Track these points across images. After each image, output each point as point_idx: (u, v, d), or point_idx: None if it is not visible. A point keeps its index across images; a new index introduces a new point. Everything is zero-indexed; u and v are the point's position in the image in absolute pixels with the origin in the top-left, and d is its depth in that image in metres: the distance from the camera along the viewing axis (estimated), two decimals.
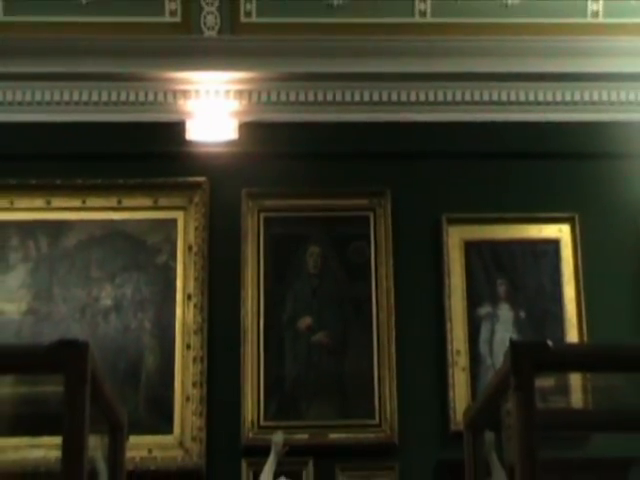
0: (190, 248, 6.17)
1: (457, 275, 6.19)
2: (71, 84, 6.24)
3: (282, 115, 6.34)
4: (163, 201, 6.26)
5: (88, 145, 6.28)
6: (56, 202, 6.24)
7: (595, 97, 6.35)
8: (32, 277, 6.14)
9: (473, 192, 6.31)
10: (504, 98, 6.34)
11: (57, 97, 6.26)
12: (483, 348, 6.10)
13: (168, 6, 6.30)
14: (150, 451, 5.85)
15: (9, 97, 6.26)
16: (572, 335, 6.06)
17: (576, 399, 5.92)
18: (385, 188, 6.28)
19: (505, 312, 6.16)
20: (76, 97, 6.26)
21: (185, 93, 6.30)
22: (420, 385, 6.05)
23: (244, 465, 5.86)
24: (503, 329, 6.10)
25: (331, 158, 6.32)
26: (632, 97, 6.36)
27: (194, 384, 5.95)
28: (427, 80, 6.30)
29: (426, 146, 6.34)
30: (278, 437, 5.57)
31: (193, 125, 6.31)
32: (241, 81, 6.28)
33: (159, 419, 5.93)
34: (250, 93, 6.32)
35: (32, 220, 6.22)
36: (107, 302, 6.10)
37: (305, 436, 5.90)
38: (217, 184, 6.27)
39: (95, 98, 6.27)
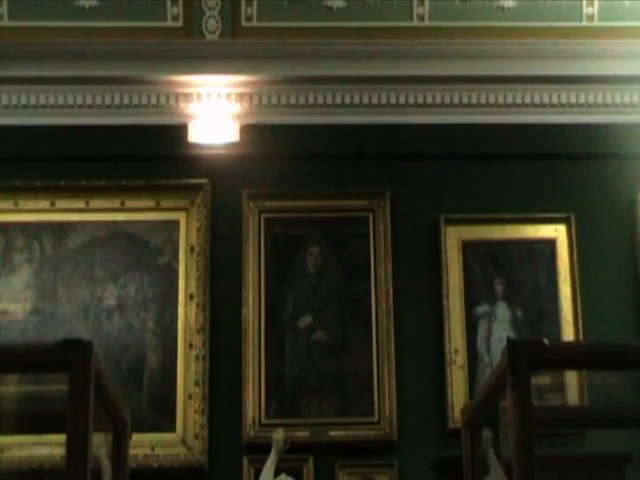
0: (192, 248, 6.19)
1: (455, 274, 6.21)
2: (75, 87, 6.27)
3: (283, 117, 6.37)
4: (165, 202, 6.28)
5: (92, 147, 6.31)
6: (60, 203, 6.27)
7: (590, 99, 6.38)
8: (37, 277, 6.17)
9: (471, 193, 6.34)
10: (501, 100, 6.37)
11: (61, 100, 6.29)
12: (481, 346, 6.12)
13: (170, 11, 6.34)
14: (153, 448, 5.87)
15: (14, 100, 6.30)
16: (568, 333, 6.09)
17: (572, 396, 5.94)
18: (384, 189, 6.31)
19: (502, 311, 6.19)
20: (80, 100, 6.30)
21: (187, 96, 6.33)
22: (418, 383, 6.07)
23: (245, 462, 5.87)
24: (500, 328, 6.12)
25: (331, 160, 6.35)
26: (627, 99, 6.38)
27: (196, 382, 5.97)
28: (425, 83, 6.32)
29: (424, 148, 6.37)
30: (279, 435, 5.56)
31: (195, 128, 6.34)
32: (242, 84, 6.31)
33: (162, 417, 5.95)
34: (251, 96, 6.35)
35: (36, 221, 6.25)
36: (110, 302, 6.13)
37: (305, 434, 5.93)
38: (219, 186, 6.30)
39: (99, 101, 6.31)
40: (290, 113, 6.37)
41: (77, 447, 2.77)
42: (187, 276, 6.16)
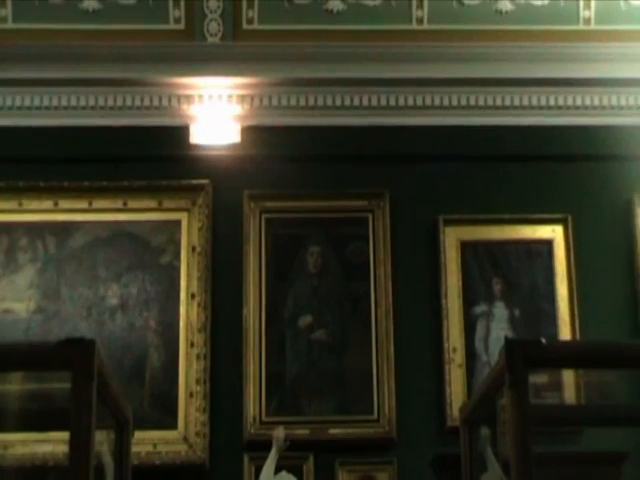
0: (194, 248, 6.22)
1: (453, 274, 6.24)
2: (79, 89, 6.31)
3: (283, 119, 6.40)
4: (167, 203, 6.31)
5: (95, 148, 6.34)
6: (63, 204, 6.30)
7: (587, 102, 6.42)
8: (40, 277, 6.20)
9: (469, 194, 6.37)
10: (499, 103, 6.40)
11: (65, 102, 6.33)
12: (479, 345, 6.15)
13: (172, 13, 6.37)
14: (155, 446, 5.90)
15: (18, 102, 6.33)
16: (565, 333, 6.12)
17: (569, 395, 5.98)
18: (383, 190, 6.34)
19: (500, 310, 6.21)
20: (83, 102, 6.34)
21: (189, 98, 6.36)
22: (417, 382, 6.09)
23: (246, 459, 5.90)
24: (498, 327, 6.15)
25: (331, 161, 6.38)
26: (623, 102, 6.42)
27: (198, 381, 6.01)
28: (424, 85, 6.36)
29: (423, 149, 6.41)
30: (279, 432, 5.58)
31: (197, 129, 6.37)
32: (243, 86, 6.34)
33: (163, 415, 5.98)
34: (252, 98, 6.38)
35: (40, 221, 6.28)
36: (113, 301, 6.16)
37: (306, 431, 5.96)
38: (220, 186, 6.33)
39: (102, 103, 6.35)
40: (291, 115, 6.40)
41: (80, 444, 2.79)
42: (189, 276, 6.19)
